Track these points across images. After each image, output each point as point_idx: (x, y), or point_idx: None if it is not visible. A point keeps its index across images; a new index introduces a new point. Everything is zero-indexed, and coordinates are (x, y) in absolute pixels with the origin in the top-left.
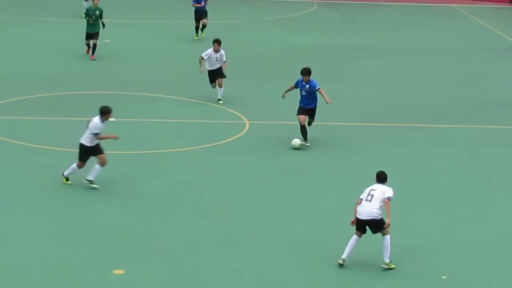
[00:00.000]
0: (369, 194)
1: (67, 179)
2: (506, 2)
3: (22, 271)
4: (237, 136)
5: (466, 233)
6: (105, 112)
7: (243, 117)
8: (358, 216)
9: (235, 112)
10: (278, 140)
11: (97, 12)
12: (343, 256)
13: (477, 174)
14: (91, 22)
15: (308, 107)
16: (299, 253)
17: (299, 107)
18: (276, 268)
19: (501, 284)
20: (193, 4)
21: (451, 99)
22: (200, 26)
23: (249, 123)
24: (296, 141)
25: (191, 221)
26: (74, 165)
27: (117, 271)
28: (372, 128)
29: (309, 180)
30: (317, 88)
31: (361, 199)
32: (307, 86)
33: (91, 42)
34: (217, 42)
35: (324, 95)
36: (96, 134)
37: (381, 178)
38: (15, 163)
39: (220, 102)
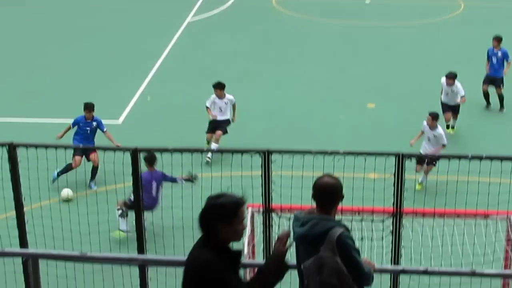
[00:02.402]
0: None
1: None
2: None
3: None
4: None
5: None
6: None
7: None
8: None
9: None
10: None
11: None
12: None
13: None
14: None
15: (494, 76)
16: None
17: (486, 76)
18: None
19: None
20: None
21: None
22: None
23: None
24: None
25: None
26: None
27: (370, 105)
28: None
29: None
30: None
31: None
32: (499, 53)
33: None
34: (217, 87)
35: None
36: None
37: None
38: None
39: (208, 160)
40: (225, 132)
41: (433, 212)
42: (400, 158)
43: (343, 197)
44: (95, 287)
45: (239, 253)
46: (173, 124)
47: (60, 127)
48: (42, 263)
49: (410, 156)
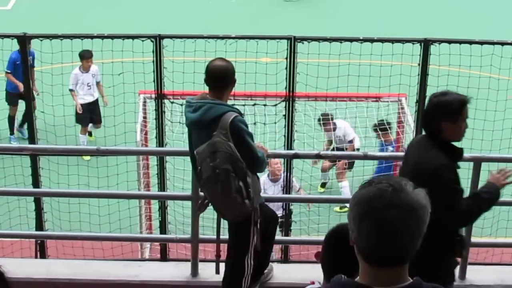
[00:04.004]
0: None
1: None
2: None
3: None
4: None
5: None
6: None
7: None
8: None
9: None
10: None
11: None
12: None
13: None
14: None
15: None
16: None
17: None
18: None
19: None
20: None
21: None
22: None
23: None
24: None
25: None
26: None
27: None
28: None
29: None
30: None
31: None
32: None
33: None
34: (85, 57)
35: None
36: None
37: None
38: None
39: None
40: (99, 121)
41: (325, 96)
42: (292, 42)
43: (235, 81)
44: None
45: (462, 151)
46: (65, 10)
47: None
48: None
49: (302, 39)
